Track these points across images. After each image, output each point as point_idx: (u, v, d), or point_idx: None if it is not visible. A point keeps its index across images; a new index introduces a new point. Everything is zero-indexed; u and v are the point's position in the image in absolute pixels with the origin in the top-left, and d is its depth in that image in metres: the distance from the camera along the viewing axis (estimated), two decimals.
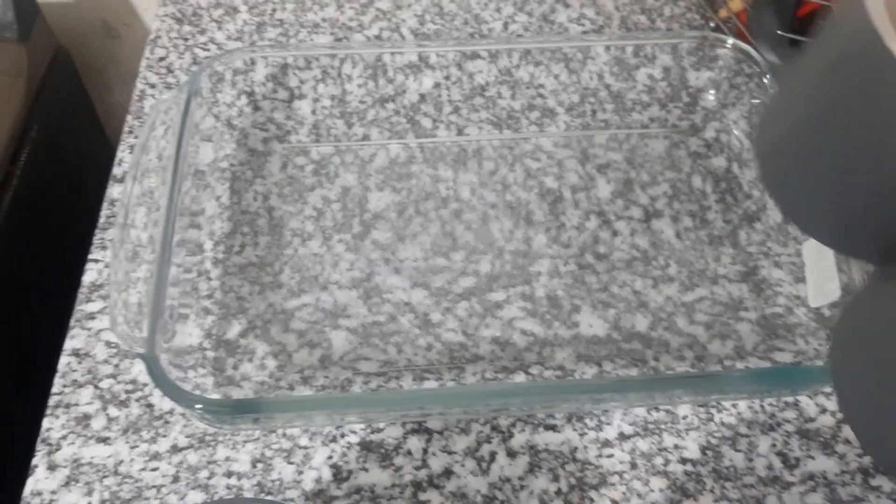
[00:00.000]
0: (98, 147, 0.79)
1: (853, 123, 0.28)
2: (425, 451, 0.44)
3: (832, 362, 0.31)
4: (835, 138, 0.29)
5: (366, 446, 0.44)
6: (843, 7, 0.29)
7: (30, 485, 0.43)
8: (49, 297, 0.60)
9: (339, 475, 0.43)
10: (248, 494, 0.42)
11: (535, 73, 0.62)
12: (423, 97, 0.61)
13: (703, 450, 0.45)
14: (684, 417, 0.46)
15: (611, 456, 0.44)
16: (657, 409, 0.46)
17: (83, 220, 0.59)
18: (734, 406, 0.47)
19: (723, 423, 0.46)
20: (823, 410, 0.47)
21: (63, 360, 0.47)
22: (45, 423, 0.45)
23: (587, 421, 0.46)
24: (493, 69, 0.62)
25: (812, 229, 0.33)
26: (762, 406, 0.47)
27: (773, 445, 0.45)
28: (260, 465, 0.44)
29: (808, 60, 0.31)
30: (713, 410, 0.47)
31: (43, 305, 0.61)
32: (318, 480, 0.43)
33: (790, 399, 0.47)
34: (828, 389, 0.47)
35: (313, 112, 0.60)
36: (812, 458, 0.45)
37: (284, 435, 0.45)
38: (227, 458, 0.44)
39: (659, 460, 0.44)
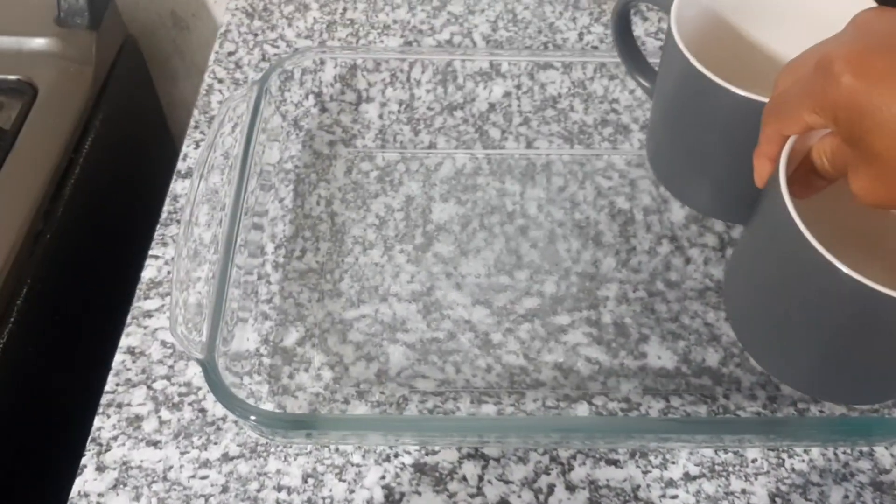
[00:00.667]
0: (160, 138, 0.79)
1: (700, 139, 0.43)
2: (481, 478, 0.43)
3: (724, 289, 0.44)
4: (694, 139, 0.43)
5: (420, 468, 0.43)
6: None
7: (78, 485, 0.42)
8: (107, 290, 0.60)
9: (391, 497, 0.42)
10: None
11: (610, 86, 0.60)
12: (492, 106, 0.59)
13: (773, 497, 0.43)
14: (753, 461, 0.44)
15: (675, 497, 0.43)
16: (725, 451, 0.44)
17: (143, 212, 0.59)
18: (806, 452, 0.44)
19: (793, 470, 0.44)
20: None
21: (118, 358, 0.47)
22: (97, 421, 0.44)
23: (651, 458, 0.44)
24: (566, 80, 0.60)
25: (698, 206, 0.48)
26: (835, 454, 0.45)
27: (846, 497, 0.43)
28: (311, 481, 0.42)
29: (659, 86, 0.46)
30: (784, 455, 0.44)
31: (100, 298, 0.61)
32: (369, 501, 0.42)
33: (864, 448, 0.45)
34: None
35: (380, 116, 0.58)
36: None
37: (337, 451, 0.43)
38: (278, 471, 0.43)
39: None
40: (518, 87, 0.60)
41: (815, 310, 0.37)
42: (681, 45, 0.40)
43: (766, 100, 0.37)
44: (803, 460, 0.44)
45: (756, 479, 0.43)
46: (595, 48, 0.64)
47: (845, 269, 0.33)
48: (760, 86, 0.40)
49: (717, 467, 0.44)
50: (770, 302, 0.40)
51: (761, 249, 0.40)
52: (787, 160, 0.36)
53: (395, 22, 0.65)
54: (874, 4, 0.38)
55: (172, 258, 0.50)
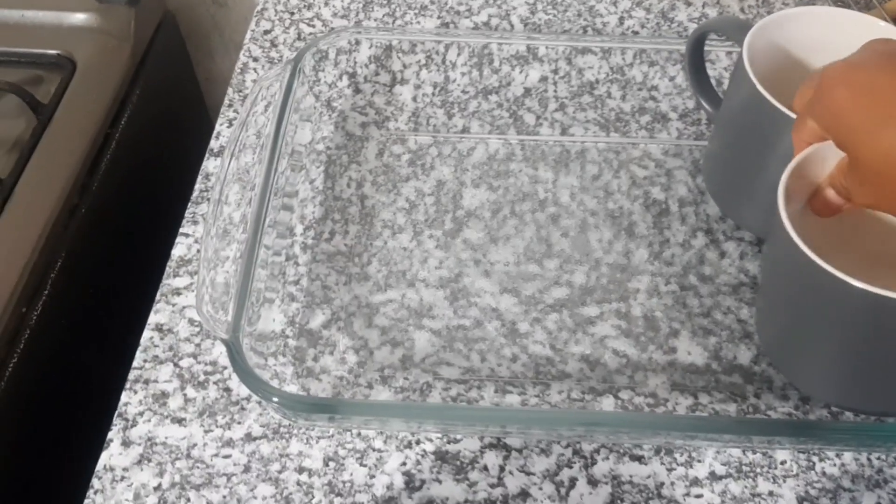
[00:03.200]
0: (197, 114, 0.79)
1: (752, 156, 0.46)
2: (502, 468, 0.42)
3: (756, 306, 0.46)
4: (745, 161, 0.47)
5: (441, 456, 0.43)
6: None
7: (103, 459, 0.43)
8: (140, 265, 0.60)
9: (411, 484, 0.42)
10: (317, 493, 0.41)
11: (650, 73, 0.59)
12: (527, 91, 0.58)
13: (801, 500, 0.42)
14: (782, 463, 0.43)
15: (699, 496, 0.42)
16: (753, 451, 0.43)
17: (178, 189, 0.59)
18: (838, 456, 0.43)
19: (824, 474, 0.43)
20: None
21: (146, 335, 0.47)
22: (124, 397, 0.45)
23: (677, 455, 0.43)
24: (605, 66, 0.59)
25: (752, 227, 0.50)
26: (869, 459, 0.43)
27: None
28: (332, 464, 0.42)
29: (724, 110, 0.49)
30: (814, 458, 0.43)
31: (133, 274, 0.61)
32: (389, 487, 0.42)
33: None
34: None
35: (414, 99, 0.58)
36: None
37: (359, 435, 0.43)
38: (300, 453, 0.43)
39: None
40: (555, 71, 0.59)
41: (826, 319, 0.38)
42: (751, 74, 0.43)
43: None
44: (835, 464, 0.43)
45: (784, 481, 0.42)
46: (636, 33, 0.62)
47: (857, 283, 0.34)
48: None
49: (744, 467, 0.43)
50: (787, 316, 0.40)
51: (770, 262, 0.43)
52: (790, 175, 0.39)
53: (432, 2, 0.64)
54: None
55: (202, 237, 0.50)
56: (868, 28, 0.46)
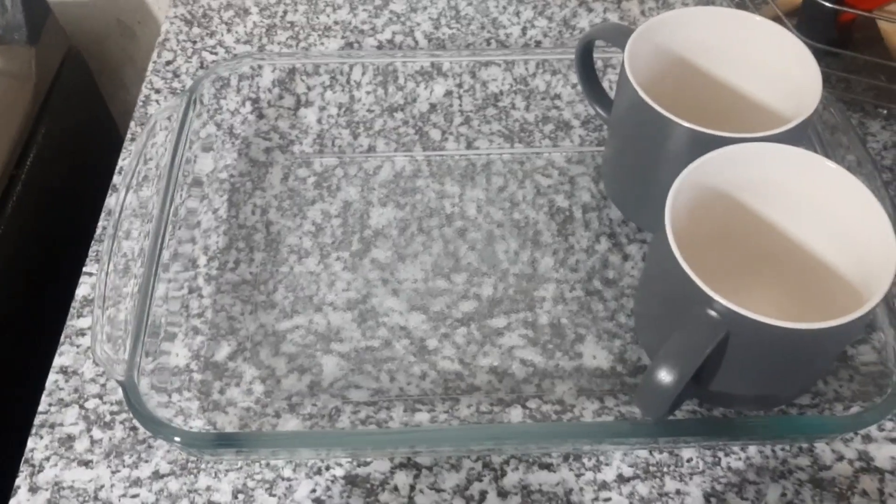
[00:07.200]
0: (111, 151, 0.78)
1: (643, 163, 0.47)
2: (412, 487, 0.43)
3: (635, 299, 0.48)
4: (636, 167, 0.49)
5: (351, 480, 0.43)
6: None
7: None
8: (50, 308, 0.59)
9: None
10: None
11: (552, 82, 0.59)
12: (433, 107, 0.59)
13: (707, 496, 0.42)
14: (689, 460, 0.43)
15: (608, 500, 0.42)
16: (660, 451, 0.44)
17: (86, 228, 0.59)
18: (743, 450, 0.44)
19: (729, 468, 0.43)
20: (840, 458, 0.44)
21: (51, 378, 0.46)
22: (30, 442, 0.44)
23: (584, 461, 0.43)
24: (508, 77, 0.59)
25: (648, 226, 0.52)
26: (773, 451, 0.44)
27: (784, 495, 0.42)
28: (241, 496, 0.42)
29: (615, 112, 0.49)
30: (720, 454, 0.44)
31: (44, 317, 0.60)
32: None
33: (804, 444, 0.44)
34: (848, 436, 0.44)
35: (319, 121, 0.58)
36: None
37: (268, 465, 0.43)
38: (209, 488, 0.42)
39: None
40: (459, 85, 0.59)
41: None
42: (632, 80, 0.44)
43: (706, 131, 0.42)
44: (740, 458, 0.44)
45: (691, 479, 0.43)
46: (538, 43, 0.63)
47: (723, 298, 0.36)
48: (707, 117, 0.45)
49: (651, 468, 0.43)
50: (664, 320, 0.41)
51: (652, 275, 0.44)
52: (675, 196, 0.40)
53: (336, 23, 0.64)
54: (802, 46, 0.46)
55: None
56: (744, 25, 0.47)
